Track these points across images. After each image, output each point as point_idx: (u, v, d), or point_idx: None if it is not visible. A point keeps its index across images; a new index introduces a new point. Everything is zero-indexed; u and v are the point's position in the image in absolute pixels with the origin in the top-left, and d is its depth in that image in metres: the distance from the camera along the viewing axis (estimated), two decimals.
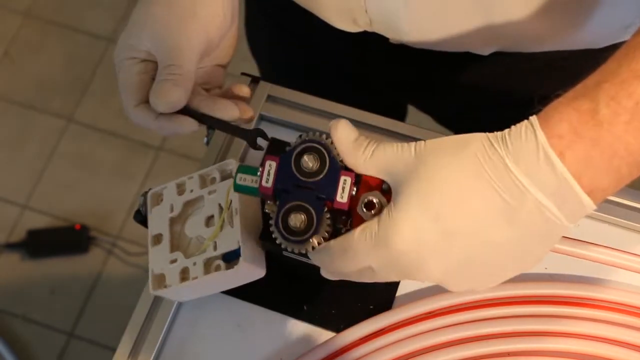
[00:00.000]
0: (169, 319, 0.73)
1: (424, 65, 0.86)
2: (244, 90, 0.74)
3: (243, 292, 0.74)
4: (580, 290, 0.72)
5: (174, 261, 0.67)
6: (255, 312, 0.74)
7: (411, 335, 0.70)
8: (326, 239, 0.57)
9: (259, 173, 0.58)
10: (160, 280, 0.68)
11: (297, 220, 0.57)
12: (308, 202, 0.57)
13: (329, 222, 0.57)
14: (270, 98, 0.81)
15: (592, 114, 0.50)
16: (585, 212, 0.52)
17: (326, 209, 0.57)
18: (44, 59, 1.94)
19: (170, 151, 1.84)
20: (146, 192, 0.72)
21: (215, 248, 0.66)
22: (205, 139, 0.79)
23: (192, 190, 0.69)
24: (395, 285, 0.73)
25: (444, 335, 0.70)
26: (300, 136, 0.58)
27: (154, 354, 0.72)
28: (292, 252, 0.58)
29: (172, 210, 0.70)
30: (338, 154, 0.57)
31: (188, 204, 0.70)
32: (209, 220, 0.68)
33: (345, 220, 0.58)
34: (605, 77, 0.51)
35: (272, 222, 0.58)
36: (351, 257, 0.55)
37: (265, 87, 0.81)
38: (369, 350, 0.70)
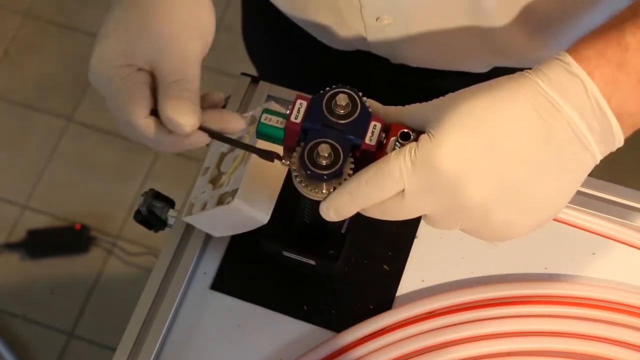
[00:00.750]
0: (169, 319, 0.72)
1: (423, 78, 0.86)
2: (220, 95, 0.69)
3: (243, 292, 0.74)
4: (580, 290, 0.72)
5: (204, 192, 0.69)
6: (255, 312, 0.74)
7: (411, 335, 0.70)
8: None
9: (287, 111, 0.57)
10: (190, 208, 0.70)
11: (324, 151, 0.55)
12: (336, 141, 0.56)
13: (352, 166, 0.56)
14: (270, 98, 0.81)
15: (618, 41, 0.53)
16: (614, 142, 0.54)
17: (351, 155, 0.57)
18: (44, 58, 1.94)
19: None
20: (146, 192, 0.72)
21: (228, 184, 0.67)
22: None
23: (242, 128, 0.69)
24: (395, 285, 0.74)
25: (444, 335, 0.70)
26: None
27: (154, 354, 0.71)
28: (311, 191, 0.56)
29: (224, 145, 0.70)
30: (369, 106, 0.57)
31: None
32: (236, 159, 0.68)
33: None
34: (632, 13, 0.54)
35: (293, 165, 0.57)
36: (383, 179, 0.54)
37: (265, 87, 0.81)
38: (369, 350, 0.70)
